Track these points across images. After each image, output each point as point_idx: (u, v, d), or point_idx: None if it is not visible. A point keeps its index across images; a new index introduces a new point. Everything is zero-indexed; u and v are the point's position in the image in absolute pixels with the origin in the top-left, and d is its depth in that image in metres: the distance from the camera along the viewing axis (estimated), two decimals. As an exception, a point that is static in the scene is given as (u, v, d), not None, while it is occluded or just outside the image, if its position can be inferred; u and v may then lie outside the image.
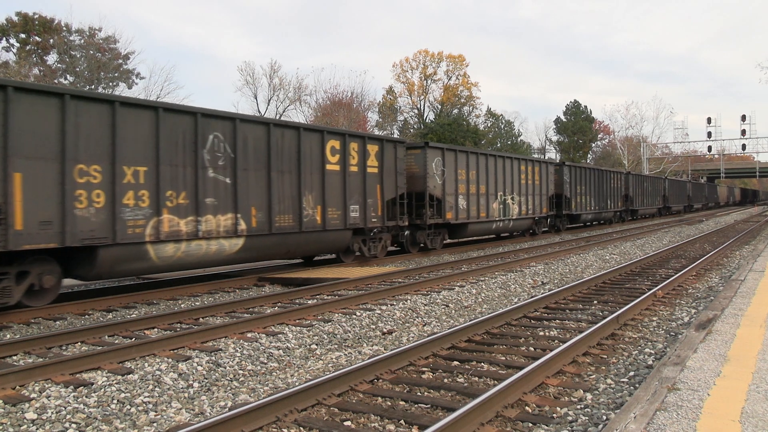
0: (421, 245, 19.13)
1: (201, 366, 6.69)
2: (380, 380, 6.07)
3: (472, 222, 21.02)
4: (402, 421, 5.04)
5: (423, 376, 6.33)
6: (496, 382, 6.00)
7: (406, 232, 18.61)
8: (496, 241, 25.27)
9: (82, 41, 36.37)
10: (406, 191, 17.76)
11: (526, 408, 5.33)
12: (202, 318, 9.49)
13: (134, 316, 9.81)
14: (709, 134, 65.80)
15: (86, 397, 5.71)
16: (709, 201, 73.34)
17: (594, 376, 6.24)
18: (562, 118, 76.65)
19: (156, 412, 5.44)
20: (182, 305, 10.85)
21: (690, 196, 59.85)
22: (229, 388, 6.17)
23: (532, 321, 9.02)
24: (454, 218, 19.90)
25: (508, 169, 23.65)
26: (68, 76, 34.95)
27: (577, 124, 74.41)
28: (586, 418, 5.05)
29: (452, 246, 22.05)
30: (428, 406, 5.41)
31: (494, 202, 22.57)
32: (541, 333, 8.20)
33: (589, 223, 35.05)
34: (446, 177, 19.47)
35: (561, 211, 29.72)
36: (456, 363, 6.76)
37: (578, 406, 5.36)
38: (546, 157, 60.69)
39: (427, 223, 18.69)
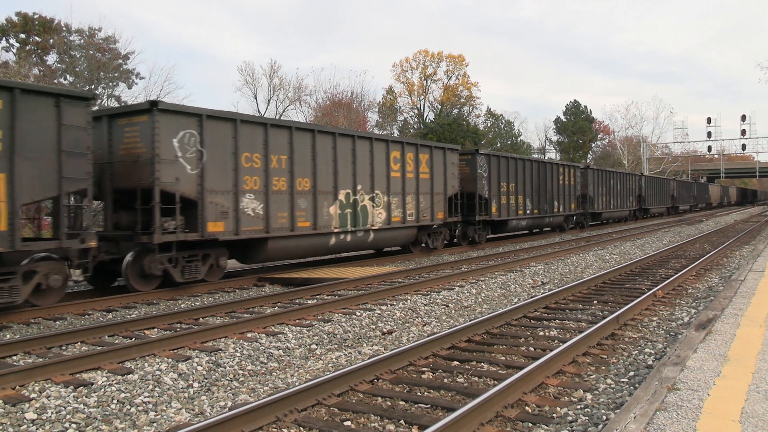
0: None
1: (201, 366, 6.69)
2: (380, 380, 6.08)
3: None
4: (402, 421, 5.04)
5: (423, 376, 6.33)
6: (496, 382, 6.00)
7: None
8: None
9: (82, 41, 36.37)
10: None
11: (526, 408, 5.33)
12: (202, 318, 9.49)
13: (134, 316, 9.81)
14: (709, 134, 65.80)
15: (86, 397, 5.72)
16: (698, 202, 64.75)
17: (594, 376, 6.24)
18: (562, 118, 76.65)
19: (156, 412, 5.44)
20: (182, 305, 10.85)
21: (674, 196, 52.60)
22: (229, 388, 6.17)
23: (532, 321, 9.02)
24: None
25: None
26: (68, 76, 34.95)
27: (577, 124, 74.41)
28: (586, 418, 5.05)
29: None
30: (428, 406, 5.41)
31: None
32: (541, 333, 8.20)
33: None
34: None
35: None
36: (456, 363, 6.76)
37: (578, 406, 5.36)
38: (550, 159, 60.70)
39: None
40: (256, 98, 49.67)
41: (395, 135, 53.95)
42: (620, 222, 39.54)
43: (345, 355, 7.43)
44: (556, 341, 7.67)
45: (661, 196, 48.89)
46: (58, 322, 9.39)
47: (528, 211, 25.09)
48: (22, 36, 36.04)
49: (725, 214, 56.29)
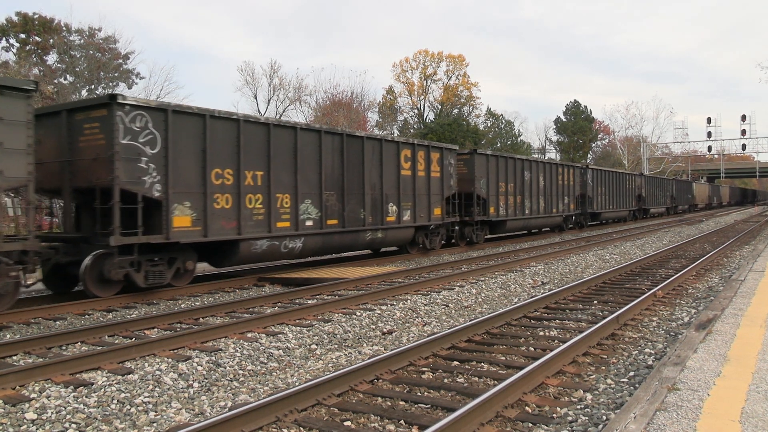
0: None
1: (201, 366, 6.69)
2: (380, 380, 6.07)
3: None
4: (402, 421, 5.04)
5: (423, 376, 6.33)
6: (496, 382, 5.99)
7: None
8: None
9: (82, 41, 36.37)
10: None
11: (526, 408, 5.33)
12: (202, 318, 9.49)
13: (134, 316, 9.81)
14: (709, 134, 65.80)
15: (86, 397, 5.71)
16: (677, 203, 54.69)
17: (594, 376, 6.24)
18: (562, 118, 76.67)
19: (156, 412, 5.44)
20: (182, 305, 10.85)
21: (642, 196, 43.58)
22: (229, 388, 6.17)
23: (532, 321, 9.02)
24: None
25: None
26: (68, 76, 34.95)
27: (577, 124, 74.43)
28: (586, 418, 5.05)
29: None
30: (428, 406, 5.41)
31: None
32: (541, 333, 8.20)
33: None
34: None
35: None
36: (456, 363, 6.76)
37: (578, 406, 5.36)
38: (549, 159, 60.61)
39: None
40: (256, 98, 49.73)
41: (395, 134, 53.97)
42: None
43: (345, 355, 7.43)
44: (556, 341, 7.67)
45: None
46: (58, 322, 9.39)
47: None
48: (22, 36, 36.03)
49: (725, 214, 56.27)
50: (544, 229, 29.48)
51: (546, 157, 65.11)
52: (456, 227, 21.08)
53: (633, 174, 42.14)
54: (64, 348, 7.70)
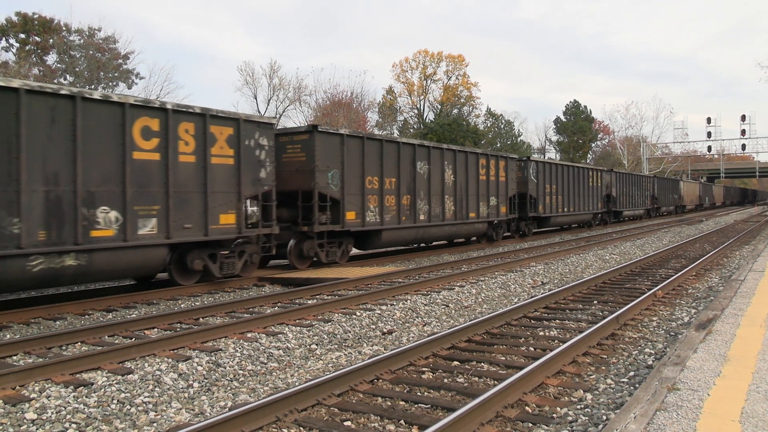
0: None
1: (201, 366, 6.69)
2: (380, 380, 6.07)
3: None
4: (402, 421, 5.04)
5: (423, 376, 6.33)
6: (496, 382, 6.00)
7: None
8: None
9: (82, 41, 36.37)
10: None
11: (526, 408, 5.33)
12: (202, 318, 9.49)
13: (134, 316, 9.81)
14: (709, 134, 65.81)
15: (86, 397, 5.72)
16: (661, 204, 48.57)
17: (594, 376, 6.24)
18: (562, 118, 76.68)
19: (156, 412, 5.44)
20: (182, 305, 10.85)
21: (612, 197, 36.95)
22: (229, 388, 6.17)
23: (532, 321, 9.02)
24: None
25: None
26: (68, 76, 34.95)
27: (576, 124, 74.45)
28: (586, 418, 5.05)
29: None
30: (428, 406, 5.41)
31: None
32: (541, 333, 8.20)
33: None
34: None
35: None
36: (456, 363, 6.76)
37: (578, 406, 5.36)
38: (583, 164, 60.62)
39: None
40: (255, 98, 49.75)
41: (395, 135, 53.93)
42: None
43: (345, 355, 7.43)
44: (556, 341, 7.67)
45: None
46: (58, 322, 9.39)
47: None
48: (22, 36, 36.03)
49: (725, 214, 56.26)
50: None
51: (581, 162, 64.38)
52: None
53: (598, 169, 36.11)
54: (64, 348, 7.70)
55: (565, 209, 28.88)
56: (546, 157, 66.41)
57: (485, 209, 21.43)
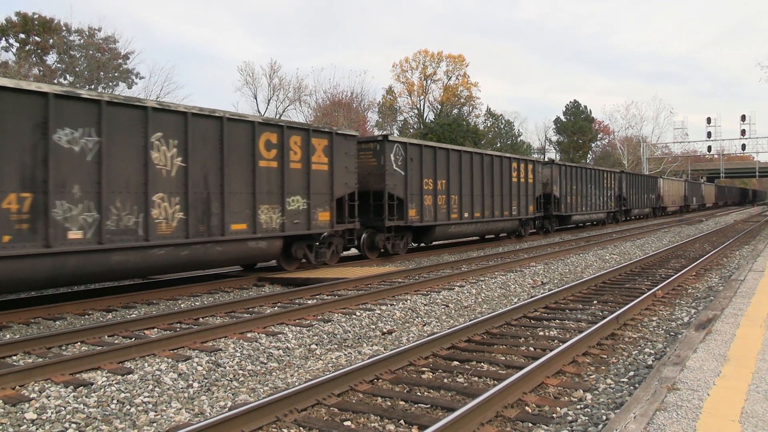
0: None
1: (201, 366, 6.69)
2: (380, 380, 6.08)
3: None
4: (402, 421, 5.04)
5: (423, 376, 6.33)
6: (496, 382, 6.00)
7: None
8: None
9: (82, 41, 36.37)
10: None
11: (526, 408, 5.33)
12: (202, 318, 9.49)
13: (134, 316, 9.81)
14: (709, 134, 65.80)
15: (86, 397, 5.72)
16: (633, 206, 40.45)
17: (594, 376, 6.25)
18: (562, 118, 76.67)
19: (156, 412, 5.44)
20: (182, 305, 10.85)
21: (556, 197, 29.87)
22: (229, 388, 6.17)
23: (532, 321, 9.02)
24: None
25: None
26: (68, 76, 34.95)
27: (576, 124, 74.44)
28: (586, 418, 5.05)
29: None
30: (428, 406, 5.41)
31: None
32: (541, 333, 8.20)
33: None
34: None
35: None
36: (456, 363, 6.76)
37: (578, 406, 5.36)
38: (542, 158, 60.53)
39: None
40: (255, 98, 49.77)
41: (396, 134, 53.91)
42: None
43: (345, 355, 7.43)
44: (556, 341, 7.67)
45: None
46: (58, 322, 9.39)
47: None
48: (22, 36, 36.02)
49: (725, 214, 56.24)
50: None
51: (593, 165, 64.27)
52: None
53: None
54: (64, 348, 7.70)
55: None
56: (558, 158, 66.41)
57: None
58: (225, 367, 6.71)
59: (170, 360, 6.89)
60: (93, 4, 73.43)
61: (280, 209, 13.25)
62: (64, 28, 36.42)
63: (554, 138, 79.11)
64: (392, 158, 16.90)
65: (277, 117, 45.97)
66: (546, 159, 45.38)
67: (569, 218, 29.43)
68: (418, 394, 5.78)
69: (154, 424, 5.16)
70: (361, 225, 16.33)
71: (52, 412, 5.33)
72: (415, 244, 19.84)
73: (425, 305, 10.29)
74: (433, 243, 21.23)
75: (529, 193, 24.75)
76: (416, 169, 17.88)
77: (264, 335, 8.11)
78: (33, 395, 5.73)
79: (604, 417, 5.01)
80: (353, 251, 17.54)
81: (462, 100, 64.94)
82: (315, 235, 14.48)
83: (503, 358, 6.98)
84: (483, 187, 21.42)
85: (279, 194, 13.28)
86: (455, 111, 62.64)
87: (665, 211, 51.06)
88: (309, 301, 10.80)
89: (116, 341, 8.05)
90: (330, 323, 8.80)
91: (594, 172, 32.99)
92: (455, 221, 19.69)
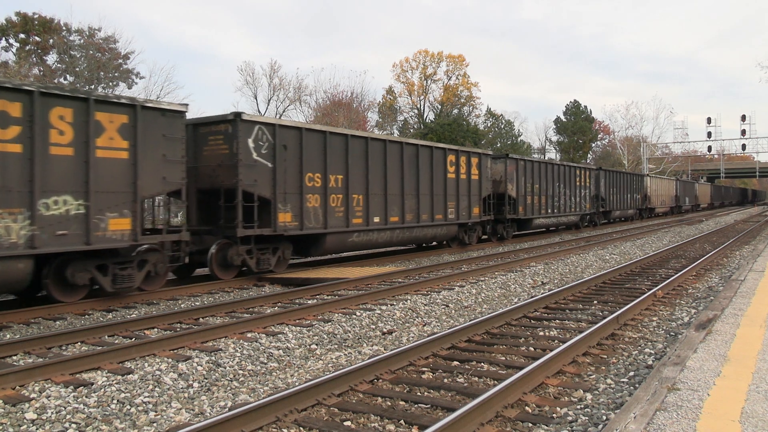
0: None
1: (201, 366, 6.69)
2: (380, 380, 6.07)
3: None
4: (402, 421, 5.04)
5: (423, 376, 6.33)
6: (496, 382, 6.00)
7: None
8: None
9: (82, 41, 36.37)
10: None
11: (526, 408, 5.33)
12: (202, 318, 9.49)
13: (134, 316, 9.81)
14: (709, 134, 65.75)
15: (86, 397, 5.72)
16: (614, 207, 35.88)
17: (594, 376, 6.24)
18: (562, 118, 76.63)
19: (156, 412, 5.44)
20: (182, 305, 10.85)
21: (512, 198, 25.32)
22: (229, 388, 6.17)
23: (532, 321, 9.02)
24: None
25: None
26: (68, 76, 34.95)
27: (577, 124, 74.39)
28: (586, 418, 5.05)
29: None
30: (428, 406, 5.41)
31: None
32: (541, 333, 8.20)
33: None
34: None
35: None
36: (456, 363, 6.76)
37: (578, 406, 5.36)
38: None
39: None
40: (256, 98, 49.73)
41: (395, 135, 53.96)
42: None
43: (345, 355, 7.43)
44: (556, 341, 7.67)
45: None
46: (58, 322, 9.39)
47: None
48: (22, 36, 36.01)
49: (725, 214, 56.21)
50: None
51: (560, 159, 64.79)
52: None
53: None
54: (64, 348, 7.70)
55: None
56: (546, 157, 66.42)
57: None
58: (225, 367, 6.71)
59: (170, 360, 6.89)
60: (93, 4, 73.47)
61: (26, 215, 9.10)
62: (64, 28, 36.41)
63: (554, 138, 79.10)
64: (250, 145, 12.66)
65: (277, 117, 45.97)
66: (499, 151, 40.76)
67: (529, 222, 25.33)
68: (418, 394, 5.77)
69: (154, 424, 5.16)
70: (211, 234, 12.88)
71: (52, 412, 5.33)
72: (302, 259, 16.36)
73: (425, 305, 10.29)
74: (333, 256, 17.65)
75: (473, 192, 20.64)
76: (293, 159, 13.67)
77: (264, 335, 8.11)
78: (33, 395, 5.73)
79: (604, 417, 5.01)
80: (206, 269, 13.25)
81: (462, 100, 64.91)
82: (107, 251, 10.44)
83: (503, 358, 6.98)
84: (403, 184, 17.13)
85: (24, 193, 9.10)
86: (455, 111, 62.60)
87: (653, 212, 46.90)
88: (309, 301, 10.79)
89: (116, 341, 8.05)
90: (330, 323, 8.80)
91: (563, 169, 28.70)
92: (359, 228, 15.44)
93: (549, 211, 26.93)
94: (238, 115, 12.60)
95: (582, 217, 31.90)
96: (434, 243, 20.98)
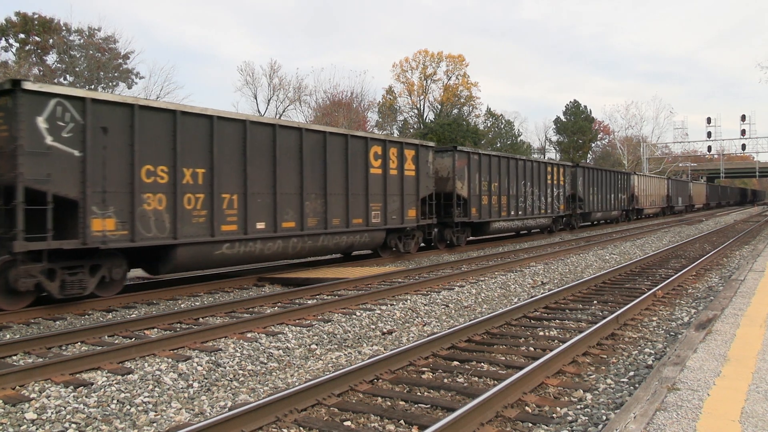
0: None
1: (201, 366, 6.69)
2: (380, 380, 6.07)
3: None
4: (402, 421, 5.04)
5: (423, 376, 6.33)
6: (496, 382, 6.00)
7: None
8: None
9: (82, 41, 36.36)
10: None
11: (526, 408, 5.33)
12: (202, 318, 9.49)
13: (134, 316, 9.81)
14: (709, 134, 65.82)
15: (86, 397, 5.72)
16: (592, 208, 32.69)
17: (594, 376, 6.24)
18: (562, 118, 76.65)
19: (156, 412, 5.44)
20: (182, 305, 10.85)
21: (463, 199, 22.78)
22: (229, 388, 6.17)
23: (532, 321, 9.02)
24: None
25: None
26: (68, 76, 34.94)
27: (576, 124, 74.41)
28: (586, 418, 5.05)
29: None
30: (428, 406, 5.41)
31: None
32: (541, 333, 8.20)
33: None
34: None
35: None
36: (456, 363, 6.76)
37: (578, 406, 5.36)
38: (555, 159, 60.39)
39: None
40: (256, 98, 49.73)
41: (395, 133, 53.96)
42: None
43: (345, 355, 7.43)
44: (556, 341, 7.67)
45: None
46: (58, 322, 9.39)
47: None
48: (22, 36, 36.02)
49: (725, 214, 56.21)
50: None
51: (546, 157, 64.81)
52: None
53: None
54: (64, 348, 7.70)
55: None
56: (546, 157, 66.42)
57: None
58: (225, 367, 6.71)
59: (170, 360, 6.89)
60: (93, 4, 73.49)
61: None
62: (64, 28, 36.42)
63: (554, 138, 79.14)
64: (41, 125, 9.29)
65: (277, 117, 45.97)
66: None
67: (486, 227, 22.09)
68: (418, 394, 5.77)
69: (154, 424, 5.16)
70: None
71: (52, 412, 5.33)
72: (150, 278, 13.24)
73: (425, 305, 10.29)
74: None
75: (408, 191, 17.31)
76: (120, 147, 10.29)
77: (264, 335, 8.11)
78: (33, 395, 5.73)
79: (604, 417, 5.01)
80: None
81: (462, 100, 64.94)
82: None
83: (503, 358, 6.98)
84: (302, 181, 13.76)
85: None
86: (455, 111, 62.62)
87: (641, 213, 43.09)
88: (309, 301, 10.79)
89: (116, 341, 8.05)
90: (330, 323, 8.80)
91: (530, 165, 25.48)
92: (231, 236, 12.05)
93: (513, 213, 23.80)
94: (17, 83, 9.24)
95: (555, 220, 28.24)
96: (356, 252, 17.64)
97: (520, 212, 24.40)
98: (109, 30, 49.93)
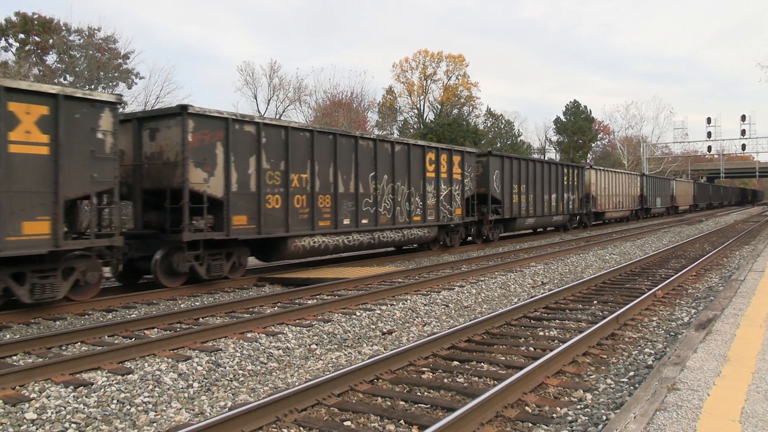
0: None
1: (201, 366, 6.69)
2: (380, 380, 6.07)
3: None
4: (402, 421, 5.04)
5: (423, 376, 6.33)
6: (496, 382, 6.00)
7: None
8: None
9: (82, 41, 36.35)
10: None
11: (526, 408, 5.33)
12: (202, 318, 9.49)
13: (134, 316, 9.81)
14: (709, 134, 65.74)
15: (86, 397, 5.72)
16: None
17: (594, 376, 6.24)
18: (562, 118, 76.62)
19: (156, 412, 5.44)
20: (182, 305, 10.85)
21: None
22: (229, 388, 6.17)
23: (532, 321, 9.02)
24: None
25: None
26: (68, 76, 34.93)
27: (576, 124, 74.35)
28: (586, 418, 5.05)
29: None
30: (428, 406, 5.41)
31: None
32: (541, 333, 8.20)
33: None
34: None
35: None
36: (456, 363, 6.76)
37: (578, 406, 5.36)
38: (547, 158, 60.46)
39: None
40: (256, 98, 49.69)
41: (396, 134, 53.92)
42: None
43: (345, 355, 7.43)
44: (556, 341, 7.67)
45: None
46: (58, 322, 9.39)
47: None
48: (22, 36, 36.00)
49: (725, 214, 56.20)
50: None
51: (546, 158, 64.85)
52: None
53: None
54: (64, 348, 7.70)
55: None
56: (546, 157, 66.43)
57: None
58: (225, 367, 6.71)
59: (170, 360, 6.89)
60: (93, 4, 73.49)
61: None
62: (63, 28, 36.39)
63: (554, 138, 79.08)
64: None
65: (278, 117, 45.98)
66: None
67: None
68: (418, 394, 5.77)
69: (154, 424, 5.16)
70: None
71: (52, 412, 5.33)
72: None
73: (425, 305, 10.29)
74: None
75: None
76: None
77: (264, 335, 8.11)
78: (33, 395, 5.73)
79: (604, 417, 5.01)
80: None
81: (462, 100, 64.89)
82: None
83: (503, 358, 6.98)
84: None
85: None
86: (455, 111, 62.59)
87: (602, 218, 35.46)
88: (309, 301, 10.79)
89: (116, 341, 8.05)
90: (330, 323, 8.80)
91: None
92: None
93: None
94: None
95: (442, 229, 21.73)
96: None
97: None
98: (109, 30, 49.86)
